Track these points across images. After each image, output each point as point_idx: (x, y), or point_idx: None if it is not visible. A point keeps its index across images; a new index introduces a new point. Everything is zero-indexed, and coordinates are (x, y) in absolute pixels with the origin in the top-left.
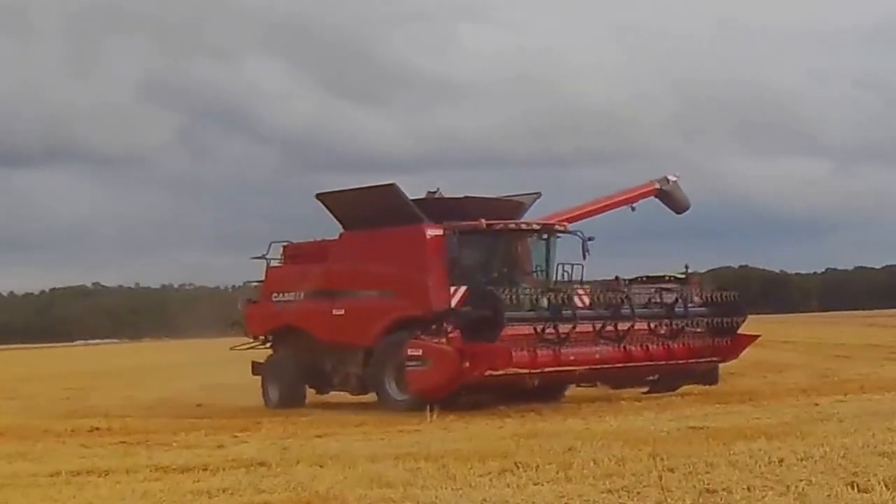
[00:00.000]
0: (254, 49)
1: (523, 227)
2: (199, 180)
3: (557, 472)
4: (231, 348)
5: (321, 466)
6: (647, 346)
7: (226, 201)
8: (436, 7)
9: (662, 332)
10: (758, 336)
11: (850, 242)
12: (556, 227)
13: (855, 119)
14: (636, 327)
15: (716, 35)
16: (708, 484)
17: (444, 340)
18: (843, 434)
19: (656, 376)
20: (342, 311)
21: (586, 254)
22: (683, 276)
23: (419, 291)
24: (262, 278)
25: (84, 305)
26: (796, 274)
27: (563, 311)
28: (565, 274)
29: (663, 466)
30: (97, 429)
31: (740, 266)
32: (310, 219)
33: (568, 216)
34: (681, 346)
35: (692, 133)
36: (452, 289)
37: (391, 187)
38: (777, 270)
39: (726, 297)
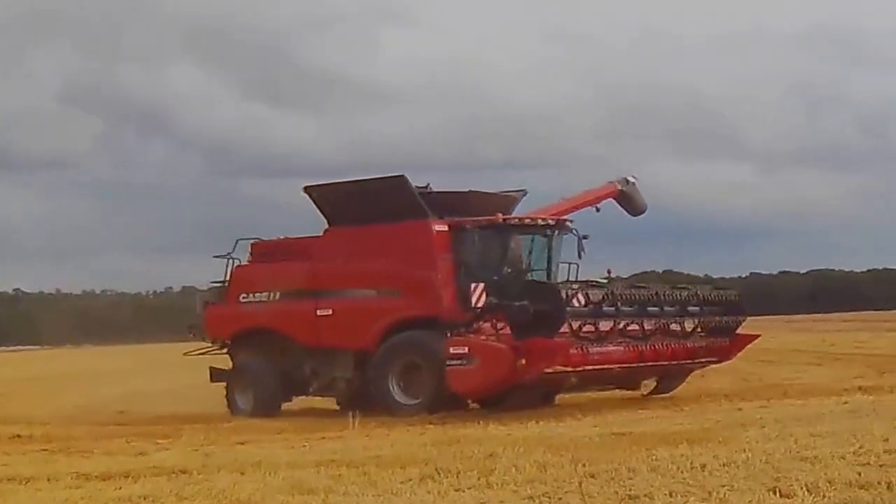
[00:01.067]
0: (176, 54)
1: (539, 222)
2: (120, 186)
3: (479, 479)
4: (185, 354)
5: (242, 473)
6: (668, 346)
7: (148, 207)
8: (358, 11)
9: (678, 330)
10: (758, 336)
11: (774, 247)
12: (567, 222)
13: (780, 124)
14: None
15: (642, 40)
16: (630, 490)
17: (493, 337)
18: (765, 439)
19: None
20: (328, 312)
21: (581, 253)
22: (606, 280)
23: (427, 290)
24: (226, 278)
25: (4, 313)
26: (720, 278)
27: (606, 308)
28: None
29: (585, 472)
30: (18, 436)
31: (664, 271)
32: (235, 223)
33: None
34: (688, 345)
35: (618, 138)
36: (473, 286)
37: (401, 179)
38: (701, 275)
39: (726, 296)
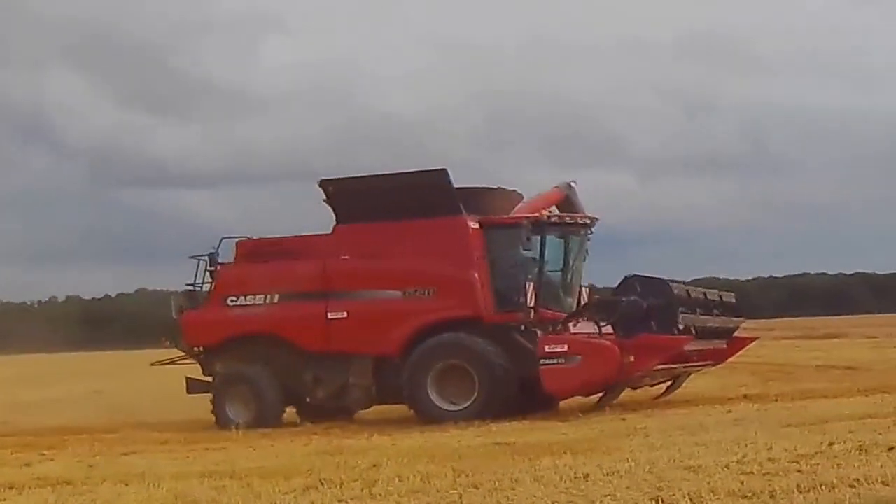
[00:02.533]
0: (55, 60)
1: (579, 220)
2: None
3: (362, 489)
4: (152, 364)
5: (126, 485)
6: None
7: (29, 216)
8: (235, 19)
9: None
10: (756, 338)
11: (655, 254)
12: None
13: (659, 131)
14: None
15: (521, 47)
16: (512, 500)
17: (596, 334)
18: (649, 449)
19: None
20: (342, 315)
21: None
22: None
23: (465, 290)
24: (200, 280)
25: None
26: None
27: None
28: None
29: (468, 482)
30: None
31: None
32: (116, 231)
33: None
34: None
35: (495, 145)
36: (526, 285)
37: (443, 173)
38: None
39: (724, 299)
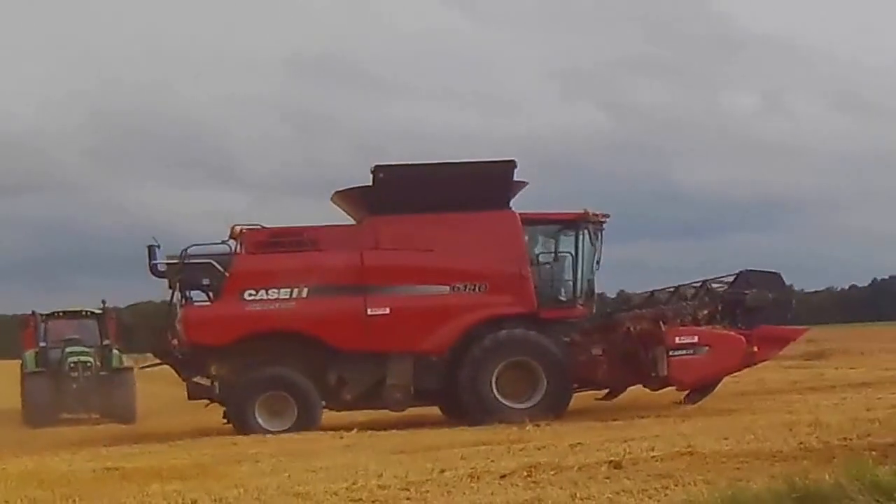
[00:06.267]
0: None
1: (601, 217)
2: None
3: None
4: (141, 367)
5: None
6: None
7: None
8: None
9: None
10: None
11: None
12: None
13: (272, 152)
14: None
15: (136, 59)
16: None
17: (720, 326)
18: (259, 475)
19: None
20: (384, 311)
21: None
22: (101, 311)
23: (519, 286)
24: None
25: None
26: None
27: None
28: None
29: None
30: None
31: (163, 301)
32: None
33: None
34: None
35: (112, 164)
36: (585, 280)
37: (512, 165)
38: None
39: None
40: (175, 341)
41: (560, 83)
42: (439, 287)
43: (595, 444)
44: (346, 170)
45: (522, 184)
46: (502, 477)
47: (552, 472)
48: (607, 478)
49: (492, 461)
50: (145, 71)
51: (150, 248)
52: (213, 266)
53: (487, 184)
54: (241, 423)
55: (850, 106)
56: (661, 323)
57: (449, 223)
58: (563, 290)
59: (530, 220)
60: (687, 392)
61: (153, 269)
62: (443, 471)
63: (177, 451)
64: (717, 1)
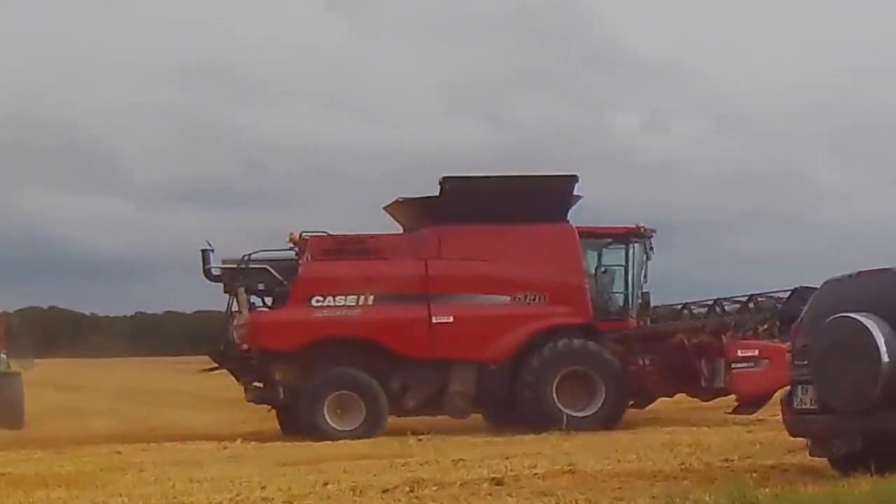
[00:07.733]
0: None
1: (651, 234)
2: None
3: None
4: (202, 371)
5: None
6: None
7: None
8: None
9: None
10: None
11: (160, 286)
12: None
13: (156, 156)
14: None
15: (29, 70)
16: None
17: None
18: (143, 484)
19: None
20: (448, 319)
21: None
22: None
23: (577, 297)
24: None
25: None
26: (105, 316)
27: None
28: None
29: None
30: None
31: (50, 307)
32: None
33: None
34: None
35: None
36: (636, 294)
37: (574, 179)
38: (87, 313)
39: None
40: (244, 346)
41: (447, 96)
42: (501, 297)
43: (477, 460)
44: (233, 179)
45: (579, 198)
46: (385, 491)
47: (434, 488)
48: (489, 494)
49: (374, 475)
50: (28, 78)
51: (204, 252)
52: (270, 271)
53: (550, 197)
54: (310, 426)
55: (733, 128)
56: (722, 335)
57: (510, 234)
58: (616, 302)
59: (586, 234)
60: (737, 404)
61: (207, 273)
62: (326, 484)
63: (62, 459)
64: (607, 24)
